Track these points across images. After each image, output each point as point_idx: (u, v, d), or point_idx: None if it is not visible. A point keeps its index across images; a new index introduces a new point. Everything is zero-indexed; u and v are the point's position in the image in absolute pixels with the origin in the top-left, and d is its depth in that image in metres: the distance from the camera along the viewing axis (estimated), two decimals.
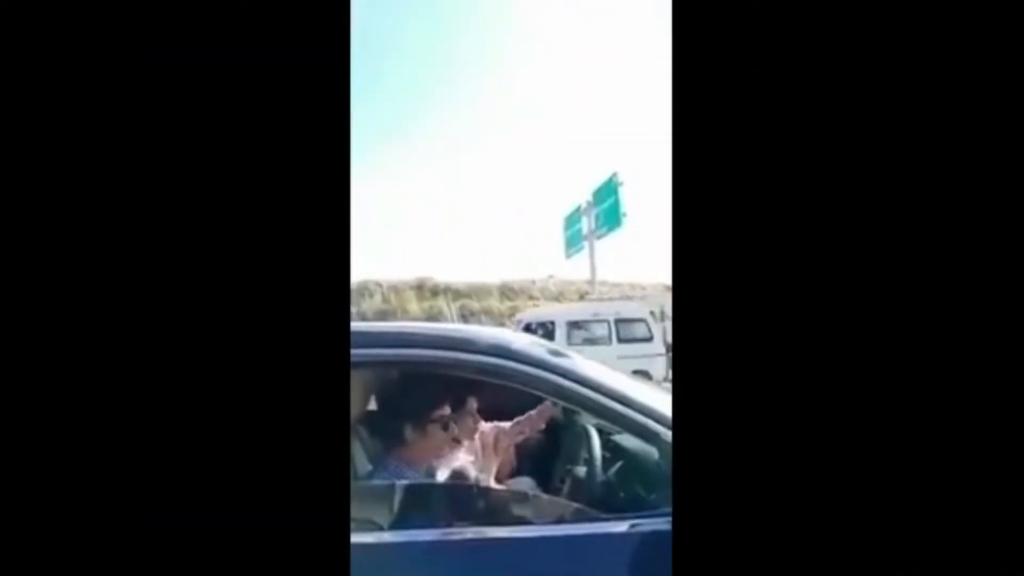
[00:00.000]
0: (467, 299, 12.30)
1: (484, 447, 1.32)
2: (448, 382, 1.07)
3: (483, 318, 11.59)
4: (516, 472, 1.42)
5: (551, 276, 14.09)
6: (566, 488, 1.19)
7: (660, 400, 0.94)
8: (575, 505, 0.95)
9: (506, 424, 1.38)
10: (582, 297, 10.76)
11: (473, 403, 1.31)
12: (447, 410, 1.11)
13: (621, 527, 0.83)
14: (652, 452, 0.92)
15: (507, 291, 13.21)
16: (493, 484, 1.22)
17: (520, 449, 1.45)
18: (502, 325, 10.19)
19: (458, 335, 1.04)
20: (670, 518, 0.81)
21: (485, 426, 1.35)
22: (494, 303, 12.69)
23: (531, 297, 13.18)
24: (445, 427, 1.10)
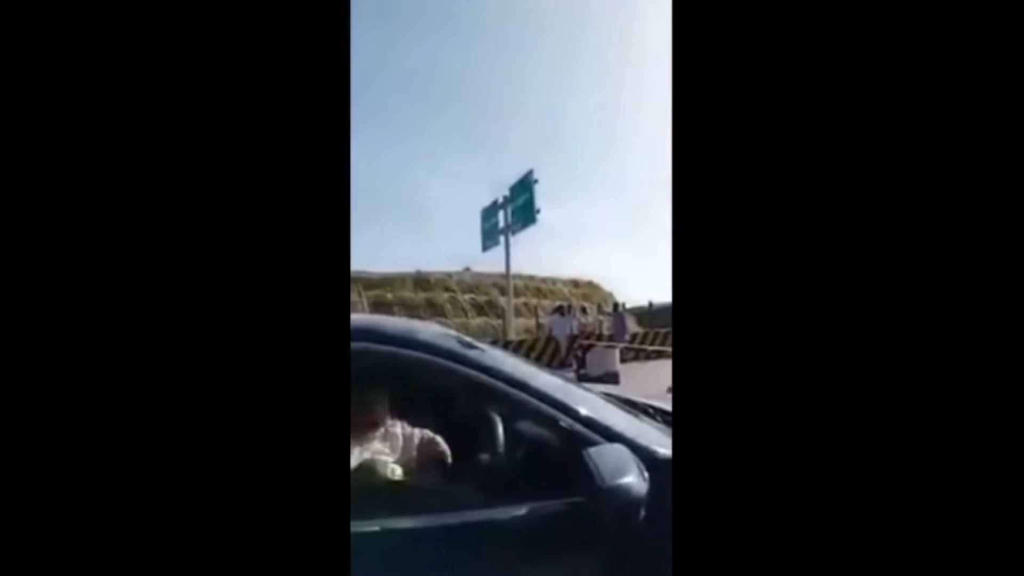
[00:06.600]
0: (380, 289, 11.86)
1: (400, 442, 1.29)
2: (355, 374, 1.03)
3: (396, 309, 11.25)
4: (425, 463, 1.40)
5: (467, 268, 14.04)
6: (471, 476, 1.20)
7: (563, 389, 0.99)
8: (479, 492, 0.96)
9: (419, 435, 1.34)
10: (502, 290, 10.86)
11: (382, 396, 1.27)
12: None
13: (521, 511, 0.86)
14: (552, 438, 0.96)
15: (422, 282, 12.93)
16: (400, 476, 1.20)
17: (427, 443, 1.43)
18: (417, 316, 9.97)
19: (360, 324, 1.00)
20: (567, 501, 0.86)
21: (404, 430, 1.31)
22: (408, 293, 12.37)
23: (447, 289, 13.04)
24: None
